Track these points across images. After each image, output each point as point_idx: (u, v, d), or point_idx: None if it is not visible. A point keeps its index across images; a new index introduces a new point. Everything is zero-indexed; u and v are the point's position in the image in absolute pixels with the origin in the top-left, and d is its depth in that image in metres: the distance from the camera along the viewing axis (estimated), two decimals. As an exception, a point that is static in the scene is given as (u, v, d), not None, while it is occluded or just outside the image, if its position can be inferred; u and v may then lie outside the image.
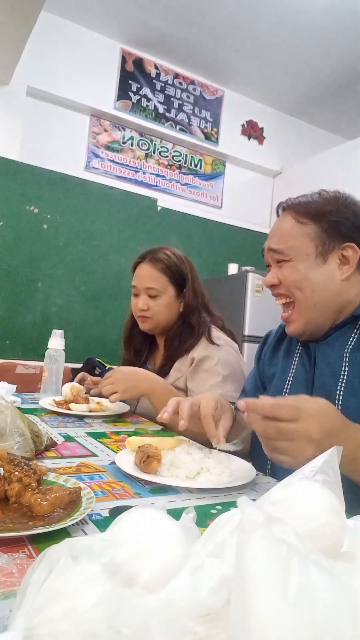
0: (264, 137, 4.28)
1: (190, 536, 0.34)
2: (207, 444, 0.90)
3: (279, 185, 4.37)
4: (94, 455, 0.87)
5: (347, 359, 0.89)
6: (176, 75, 3.86)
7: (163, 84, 3.80)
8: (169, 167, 3.91)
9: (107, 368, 2.02)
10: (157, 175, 3.85)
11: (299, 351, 1.02)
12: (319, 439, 0.63)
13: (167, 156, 3.91)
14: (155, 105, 3.77)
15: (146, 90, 3.73)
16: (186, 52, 3.63)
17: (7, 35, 2.54)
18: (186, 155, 4.00)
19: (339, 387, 0.88)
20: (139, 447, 0.79)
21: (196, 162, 4.05)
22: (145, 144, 3.81)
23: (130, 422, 1.24)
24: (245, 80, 3.91)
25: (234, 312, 3.04)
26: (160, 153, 3.88)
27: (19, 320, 3.06)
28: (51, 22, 3.27)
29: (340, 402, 0.87)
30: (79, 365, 2.27)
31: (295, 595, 0.23)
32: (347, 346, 0.91)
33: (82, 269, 3.29)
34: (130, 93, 3.67)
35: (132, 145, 3.75)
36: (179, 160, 3.97)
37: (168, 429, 1.20)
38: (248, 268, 3.15)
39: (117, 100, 3.61)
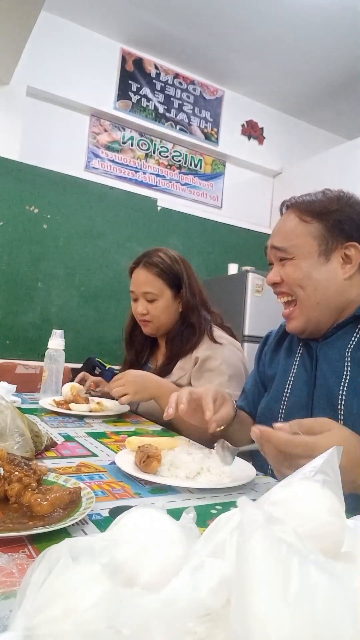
0: (264, 137, 4.28)
1: (190, 536, 0.34)
2: (207, 444, 0.90)
3: (279, 185, 4.37)
4: (94, 455, 0.87)
5: (349, 359, 0.89)
6: (176, 75, 3.86)
7: (163, 84, 3.80)
8: (169, 167, 3.91)
9: (107, 368, 2.02)
10: (157, 175, 3.85)
11: (300, 351, 1.01)
12: None
13: (167, 156, 3.91)
14: (155, 105, 3.77)
15: (146, 90, 3.73)
16: (186, 52, 3.63)
17: (7, 35, 2.54)
18: (186, 155, 4.00)
19: (341, 387, 0.88)
20: (139, 447, 0.79)
21: (196, 162, 4.05)
22: (145, 144, 3.81)
23: (130, 422, 1.24)
24: (245, 80, 3.90)
25: (234, 312, 3.04)
26: (160, 153, 3.87)
27: (19, 320, 3.05)
28: (51, 22, 3.27)
29: (342, 402, 0.86)
30: (79, 365, 2.27)
31: (295, 595, 0.23)
32: (349, 346, 0.90)
33: (82, 269, 3.29)
34: (130, 93, 3.67)
35: (132, 145, 3.75)
36: (179, 160, 3.97)
37: (171, 429, 1.20)
38: (248, 268, 3.14)
39: (117, 100, 3.61)
